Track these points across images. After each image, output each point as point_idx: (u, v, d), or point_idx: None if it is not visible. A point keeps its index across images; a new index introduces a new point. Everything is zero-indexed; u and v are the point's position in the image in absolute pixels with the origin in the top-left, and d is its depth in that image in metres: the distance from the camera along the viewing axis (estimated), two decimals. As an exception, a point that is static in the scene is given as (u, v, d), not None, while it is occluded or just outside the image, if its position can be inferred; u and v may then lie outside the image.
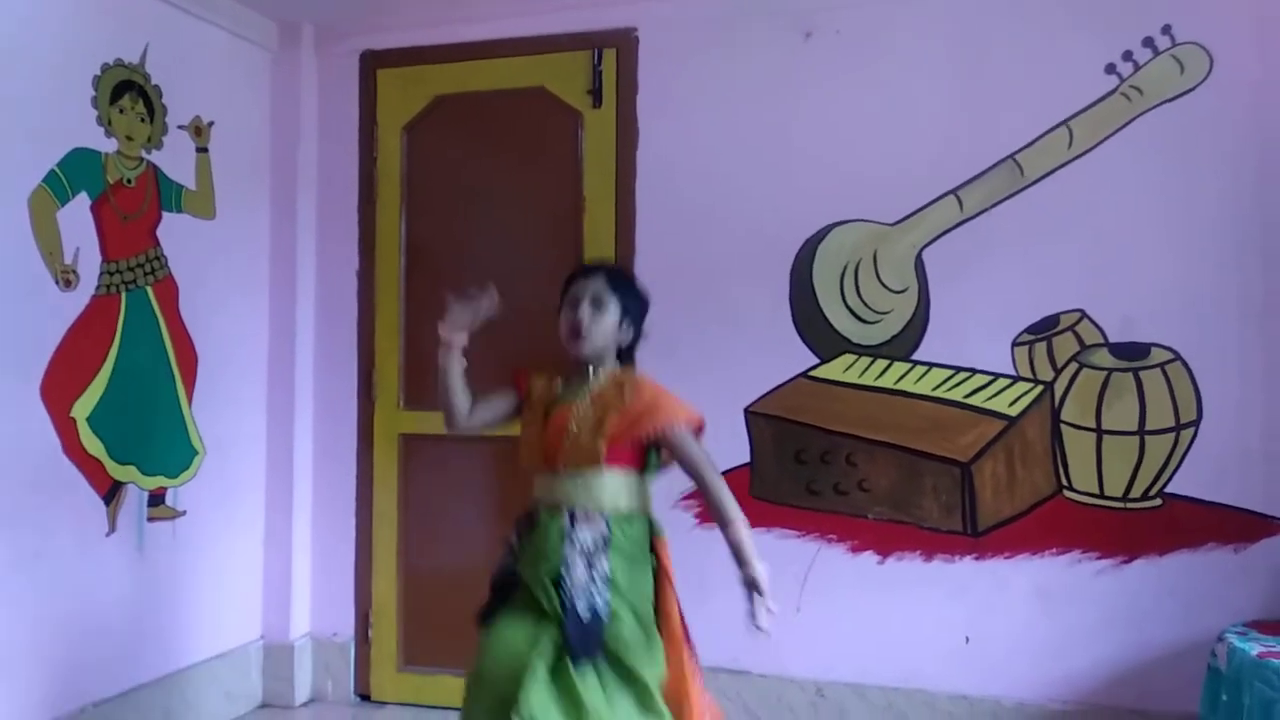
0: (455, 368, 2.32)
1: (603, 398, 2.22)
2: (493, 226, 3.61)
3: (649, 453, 2.27)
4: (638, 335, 2.34)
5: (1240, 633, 2.70)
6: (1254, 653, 2.52)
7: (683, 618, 2.27)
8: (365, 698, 3.70)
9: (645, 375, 2.31)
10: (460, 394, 2.32)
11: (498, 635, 2.20)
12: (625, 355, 2.34)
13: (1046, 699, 3.07)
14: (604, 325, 2.24)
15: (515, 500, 3.53)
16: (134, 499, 3.13)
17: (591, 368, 2.27)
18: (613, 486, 2.21)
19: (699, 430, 2.27)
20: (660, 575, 2.25)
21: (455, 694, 3.52)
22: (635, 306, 2.32)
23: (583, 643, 2.10)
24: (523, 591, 2.20)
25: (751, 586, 2.10)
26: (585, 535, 2.17)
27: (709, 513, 2.24)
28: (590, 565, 2.15)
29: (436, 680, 3.60)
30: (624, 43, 3.46)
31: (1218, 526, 2.95)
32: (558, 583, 2.14)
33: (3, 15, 2.69)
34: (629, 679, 2.12)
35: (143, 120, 3.16)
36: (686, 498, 3.24)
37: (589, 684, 2.08)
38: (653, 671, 2.15)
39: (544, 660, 2.09)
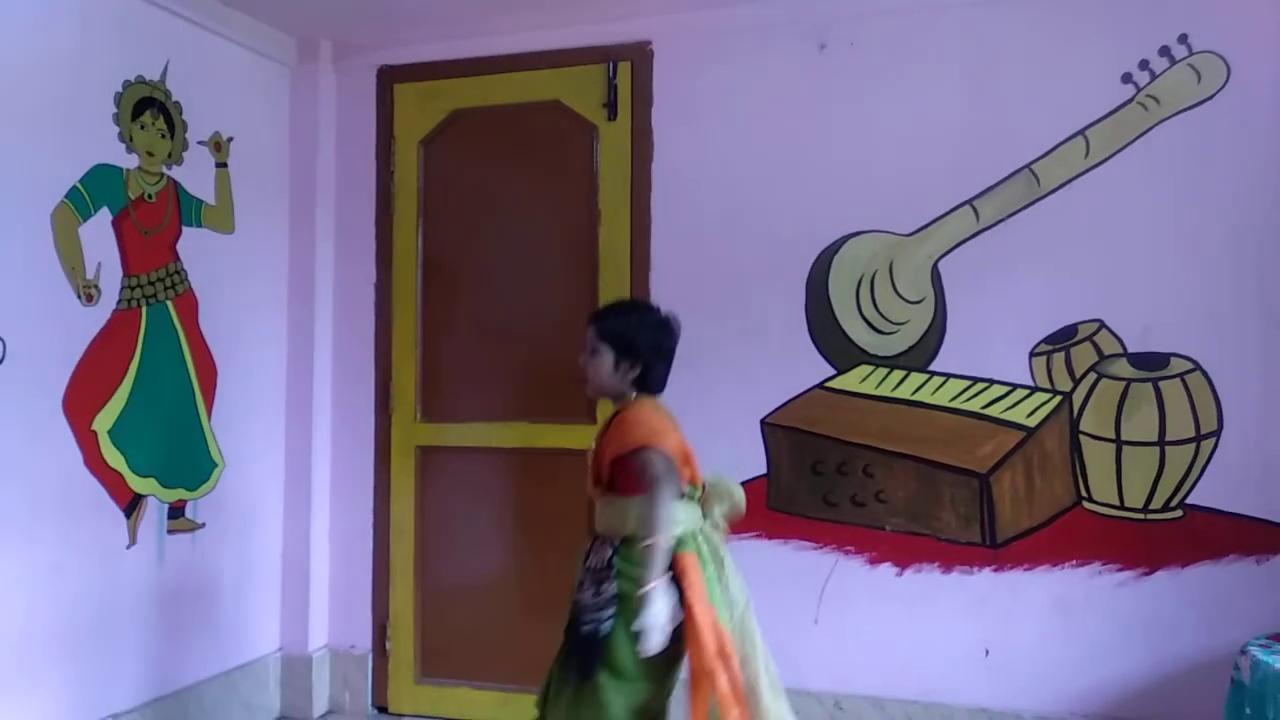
0: None
1: (602, 433, 2.42)
2: (509, 239, 3.63)
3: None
4: (648, 365, 2.40)
5: (1263, 645, 2.67)
6: (1278, 665, 2.49)
7: (716, 624, 2.27)
8: (383, 709, 3.71)
9: (643, 406, 2.37)
10: None
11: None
12: (646, 385, 2.42)
13: (1068, 712, 3.04)
14: (600, 370, 2.40)
15: (532, 512, 3.57)
16: (154, 511, 3.15)
17: (613, 404, 2.45)
18: (610, 513, 2.36)
19: (647, 449, 2.27)
20: (681, 586, 2.26)
21: (472, 706, 3.57)
22: (631, 345, 2.39)
23: (581, 660, 2.26)
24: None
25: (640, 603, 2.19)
26: (595, 559, 2.34)
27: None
28: (599, 587, 2.28)
29: (454, 692, 3.61)
30: (638, 56, 3.47)
31: (1240, 538, 2.93)
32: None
33: (25, 33, 2.73)
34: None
35: (163, 136, 3.19)
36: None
37: (560, 699, 2.31)
38: (631, 684, 2.26)
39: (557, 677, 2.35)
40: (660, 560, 2.20)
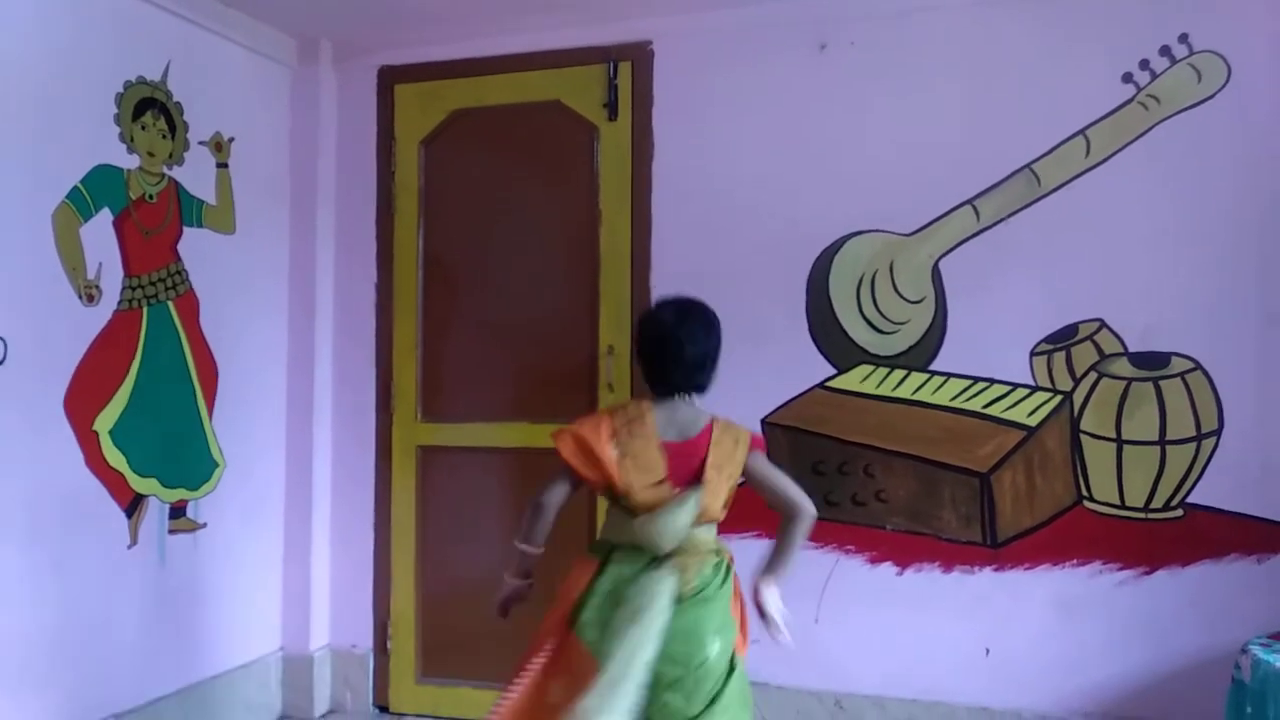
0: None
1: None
2: (510, 239, 3.63)
3: None
4: None
5: (1264, 644, 2.67)
6: (1278, 664, 2.50)
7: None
8: (384, 709, 3.71)
9: None
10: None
11: None
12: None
13: (1068, 711, 3.04)
14: None
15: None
16: (155, 511, 3.15)
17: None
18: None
19: None
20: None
21: (473, 706, 3.57)
22: None
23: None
24: None
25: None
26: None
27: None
28: None
29: (455, 692, 3.61)
30: (639, 56, 3.47)
31: (1240, 537, 2.93)
32: None
33: (25, 34, 2.73)
34: None
35: (164, 136, 3.19)
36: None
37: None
38: None
39: None
40: None
